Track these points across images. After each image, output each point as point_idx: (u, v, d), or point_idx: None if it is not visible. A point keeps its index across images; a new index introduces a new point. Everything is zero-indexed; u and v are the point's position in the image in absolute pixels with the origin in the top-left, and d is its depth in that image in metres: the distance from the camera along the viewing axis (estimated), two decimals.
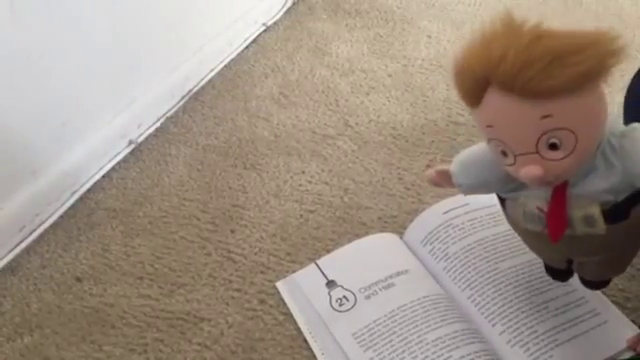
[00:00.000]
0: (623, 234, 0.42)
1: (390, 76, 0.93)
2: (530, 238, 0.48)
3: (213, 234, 0.72)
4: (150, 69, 0.90)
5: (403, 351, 0.54)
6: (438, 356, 0.53)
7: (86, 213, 0.78)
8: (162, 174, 0.82)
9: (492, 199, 0.49)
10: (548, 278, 0.55)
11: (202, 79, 0.97)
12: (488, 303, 0.57)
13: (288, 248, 0.69)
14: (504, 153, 0.38)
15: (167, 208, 0.77)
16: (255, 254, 0.69)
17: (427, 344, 0.54)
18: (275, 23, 1.10)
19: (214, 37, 1.00)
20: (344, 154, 0.80)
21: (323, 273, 0.64)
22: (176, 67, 0.94)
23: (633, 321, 0.54)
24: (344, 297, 0.61)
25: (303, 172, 0.79)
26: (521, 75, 0.34)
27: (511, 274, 0.59)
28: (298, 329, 0.60)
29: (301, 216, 0.72)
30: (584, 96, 0.35)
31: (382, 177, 0.76)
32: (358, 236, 0.68)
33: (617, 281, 0.57)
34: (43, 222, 0.76)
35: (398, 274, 0.62)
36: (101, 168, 0.83)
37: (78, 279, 0.70)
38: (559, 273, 0.52)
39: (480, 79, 0.36)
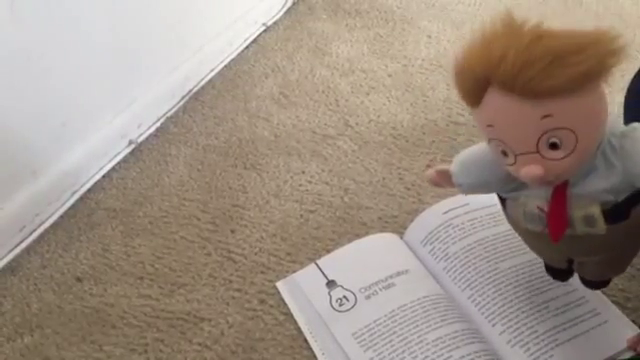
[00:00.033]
0: (623, 234, 0.42)
1: (390, 76, 0.93)
2: (530, 238, 0.48)
3: (213, 234, 0.72)
4: (150, 69, 0.90)
5: (403, 351, 0.54)
6: (438, 356, 0.53)
7: (86, 213, 0.78)
8: (162, 174, 0.82)
9: (492, 199, 0.49)
10: (548, 278, 0.55)
11: (202, 79, 0.97)
12: (488, 303, 0.57)
13: (288, 248, 0.69)
14: (504, 153, 0.38)
15: (167, 208, 0.77)
16: (255, 254, 0.69)
17: (427, 344, 0.54)
18: (275, 23, 1.10)
19: (214, 37, 1.00)
20: (344, 154, 0.80)
21: (323, 273, 0.64)
22: (176, 67, 0.94)
23: (633, 321, 0.54)
24: (344, 297, 0.61)
25: (303, 172, 0.78)
26: (521, 75, 0.34)
27: (511, 274, 0.59)
28: (298, 329, 0.60)
29: (301, 216, 0.72)
30: (584, 96, 0.35)
31: (382, 177, 0.76)
32: (358, 236, 0.68)
33: (617, 281, 0.57)
34: (43, 222, 0.76)
35: (398, 274, 0.62)
36: (101, 168, 0.83)
37: (78, 279, 0.70)
38: (559, 273, 0.52)
39: (480, 79, 0.36)
